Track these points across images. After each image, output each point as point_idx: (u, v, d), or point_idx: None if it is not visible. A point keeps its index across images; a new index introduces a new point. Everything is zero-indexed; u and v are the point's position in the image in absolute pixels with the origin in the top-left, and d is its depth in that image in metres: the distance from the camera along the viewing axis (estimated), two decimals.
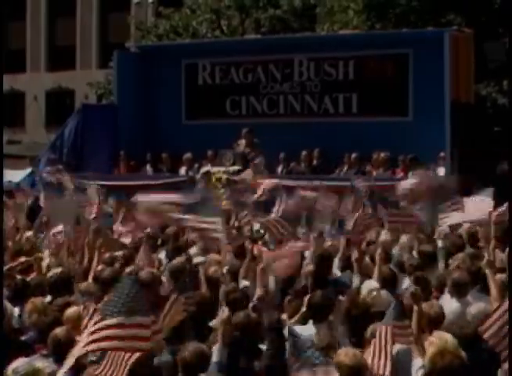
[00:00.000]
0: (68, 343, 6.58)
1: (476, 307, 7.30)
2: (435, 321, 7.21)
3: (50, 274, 9.06)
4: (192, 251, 10.54)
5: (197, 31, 28.75)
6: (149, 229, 12.00)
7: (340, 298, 8.25)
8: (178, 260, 9.47)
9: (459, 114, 16.60)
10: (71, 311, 7.49)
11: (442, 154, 16.53)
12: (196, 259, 9.77)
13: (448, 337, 6.24)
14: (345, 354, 5.76)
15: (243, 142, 17.38)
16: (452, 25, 20.24)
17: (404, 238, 11.33)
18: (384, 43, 18.26)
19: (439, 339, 6.16)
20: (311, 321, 7.30)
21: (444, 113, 16.52)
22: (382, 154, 17.12)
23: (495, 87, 21.32)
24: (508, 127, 15.28)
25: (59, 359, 6.45)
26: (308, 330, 7.08)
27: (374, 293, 7.90)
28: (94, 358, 6.78)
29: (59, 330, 6.65)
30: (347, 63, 18.67)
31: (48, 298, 8.36)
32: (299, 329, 7.19)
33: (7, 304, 7.51)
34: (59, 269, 9.41)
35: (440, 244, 10.31)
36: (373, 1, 22.68)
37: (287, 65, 19.21)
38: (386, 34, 20.49)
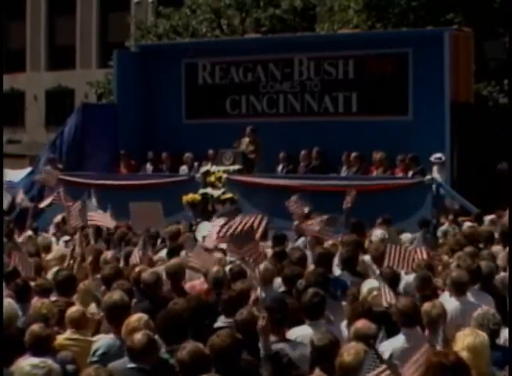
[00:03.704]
0: (47, 338, 6.59)
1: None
2: (436, 322, 7.23)
3: (55, 273, 9.06)
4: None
5: (197, 31, 28.75)
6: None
7: (343, 303, 8.28)
8: (175, 260, 9.46)
9: (459, 114, 16.61)
10: (73, 310, 7.51)
11: (437, 155, 16.45)
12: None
13: (484, 335, 6.25)
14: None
15: (246, 140, 17.37)
16: (451, 24, 20.23)
17: (407, 235, 11.35)
18: (383, 42, 18.26)
19: (477, 335, 6.18)
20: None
21: (444, 113, 16.53)
22: (381, 154, 17.12)
23: (496, 87, 21.30)
24: (508, 127, 15.29)
25: (38, 355, 6.43)
26: (304, 331, 7.07)
27: (375, 292, 7.91)
28: (94, 358, 6.81)
29: (36, 326, 6.66)
30: (347, 62, 18.67)
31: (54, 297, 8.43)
32: (295, 331, 7.18)
33: (12, 303, 7.51)
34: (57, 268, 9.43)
35: None
36: (372, 1, 22.67)
37: (287, 64, 19.21)
38: (386, 34, 20.48)
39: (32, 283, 8.70)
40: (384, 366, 5.14)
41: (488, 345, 6.21)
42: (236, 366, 6.02)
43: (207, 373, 5.72)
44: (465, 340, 6.14)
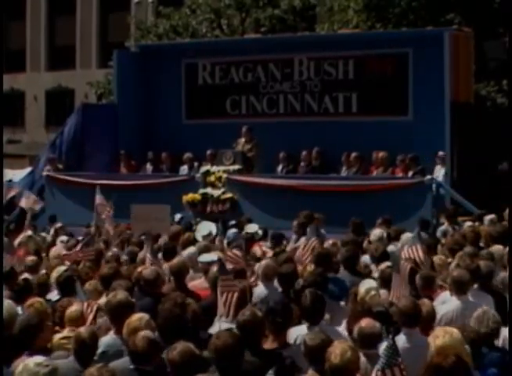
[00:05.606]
0: (92, 344, 6.59)
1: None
2: (426, 320, 7.23)
3: (58, 272, 9.07)
4: (191, 250, 10.55)
5: (197, 31, 28.77)
6: None
7: (342, 303, 8.28)
8: (178, 259, 9.47)
9: (459, 114, 16.60)
10: (72, 310, 7.51)
11: (441, 153, 16.51)
12: (204, 258, 9.75)
13: (454, 331, 6.25)
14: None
15: (242, 140, 17.37)
16: (451, 24, 20.24)
17: (408, 235, 11.35)
18: (383, 42, 18.24)
19: (446, 334, 6.18)
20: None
21: (444, 113, 16.52)
22: (381, 154, 17.12)
23: (494, 86, 21.31)
24: (508, 127, 15.27)
25: (81, 359, 6.45)
26: (303, 331, 7.05)
27: (372, 292, 7.91)
28: (94, 357, 6.81)
29: (83, 330, 6.65)
30: (347, 62, 18.66)
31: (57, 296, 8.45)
32: (294, 331, 7.15)
33: (11, 303, 7.51)
34: (63, 267, 9.46)
35: None
36: (372, 1, 22.67)
37: (287, 64, 19.20)
38: (386, 34, 20.48)
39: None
40: (400, 360, 5.21)
41: (462, 338, 6.21)
42: (239, 366, 5.98)
43: (198, 373, 5.69)
44: (436, 342, 6.15)
